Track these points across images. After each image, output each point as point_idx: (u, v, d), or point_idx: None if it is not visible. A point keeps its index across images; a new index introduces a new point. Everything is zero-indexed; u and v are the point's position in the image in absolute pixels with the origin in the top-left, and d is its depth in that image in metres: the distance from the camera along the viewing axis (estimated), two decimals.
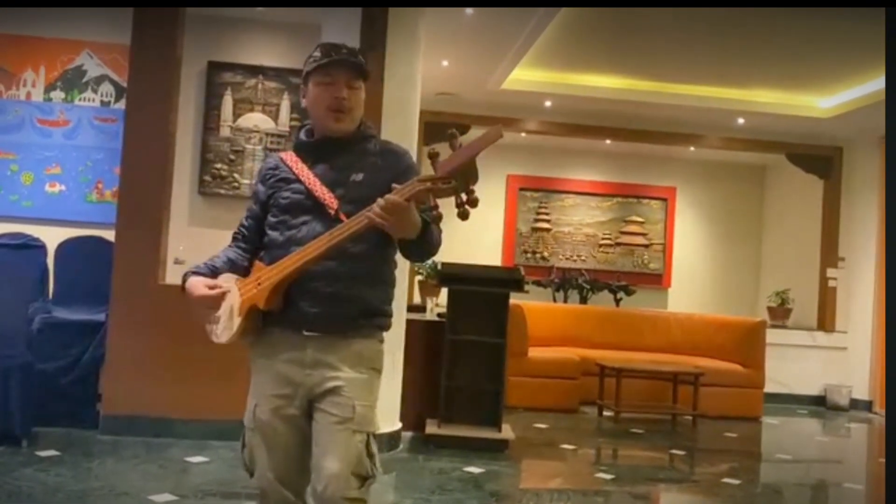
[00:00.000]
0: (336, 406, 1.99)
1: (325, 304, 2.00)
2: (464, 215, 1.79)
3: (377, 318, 2.10)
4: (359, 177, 2.07)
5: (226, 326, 2.03)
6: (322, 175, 2.08)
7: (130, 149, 4.78)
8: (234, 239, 2.22)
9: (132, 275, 4.68)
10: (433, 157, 1.87)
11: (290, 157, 2.16)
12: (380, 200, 1.82)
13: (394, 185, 1.85)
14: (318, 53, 2.11)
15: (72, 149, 5.79)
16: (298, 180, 2.09)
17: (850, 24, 5.60)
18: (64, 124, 5.81)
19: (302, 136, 2.19)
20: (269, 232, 2.10)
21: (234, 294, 2.04)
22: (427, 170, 1.87)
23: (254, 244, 2.17)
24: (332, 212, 2.01)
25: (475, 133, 8.33)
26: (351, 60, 2.09)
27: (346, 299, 2.02)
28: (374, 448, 2.03)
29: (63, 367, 4.71)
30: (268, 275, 1.99)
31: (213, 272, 2.10)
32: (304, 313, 2.00)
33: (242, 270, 2.13)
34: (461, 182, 1.79)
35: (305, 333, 2.02)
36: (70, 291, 5.22)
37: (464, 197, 1.79)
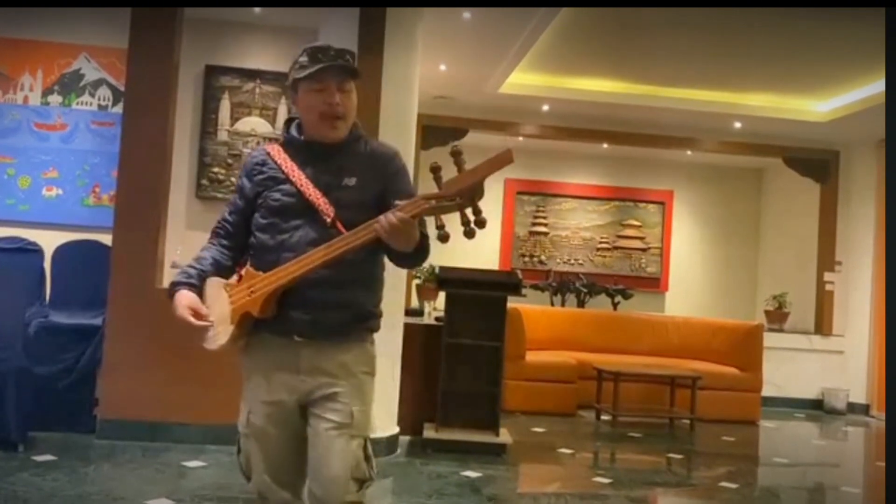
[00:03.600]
0: (334, 412, 1.99)
1: (319, 311, 1.98)
2: (470, 234, 1.82)
3: (369, 322, 2.10)
4: (352, 181, 2.04)
5: (217, 334, 2.00)
6: (314, 178, 2.03)
7: (128, 152, 4.77)
8: (216, 234, 2.15)
9: (129, 279, 4.67)
10: (435, 170, 1.83)
11: (278, 153, 2.09)
12: (388, 216, 1.82)
13: (396, 202, 1.85)
14: (304, 59, 2.04)
15: (69, 153, 5.78)
16: (289, 180, 2.03)
17: (848, 27, 5.61)
18: (61, 128, 5.80)
19: (293, 131, 2.12)
20: (258, 234, 2.05)
21: (224, 300, 2.01)
22: (426, 177, 1.87)
23: (237, 241, 2.12)
24: (329, 219, 1.98)
25: (473, 137, 8.40)
26: (340, 64, 2.03)
27: (340, 305, 2.01)
28: (371, 451, 2.04)
29: (60, 371, 4.70)
30: (262, 283, 1.96)
31: (202, 278, 2.05)
32: (296, 320, 1.98)
33: (227, 271, 2.09)
34: (467, 201, 1.80)
35: (297, 339, 2.00)
36: (67, 295, 5.21)
37: (471, 217, 1.81)
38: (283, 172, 2.05)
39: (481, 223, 1.81)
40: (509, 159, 1.80)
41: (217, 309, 2.00)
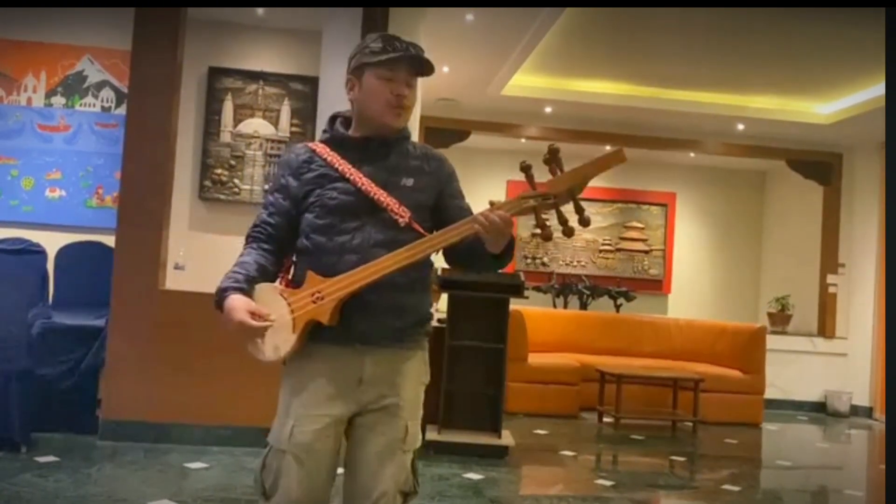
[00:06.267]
0: (389, 427, 1.93)
1: (384, 316, 1.89)
2: (568, 233, 1.75)
3: (427, 325, 2.02)
4: (409, 181, 1.95)
5: (279, 344, 1.84)
6: (373, 176, 1.91)
7: (131, 154, 4.78)
8: (255, 239, 1.97)
9: (132, 280, 4.68)
10: (526, 169, 1.76)
11: (324, 151, 1.96)
12: (491, 215, 1.74)
13: (491, 200, 1.79)
14: (377, 45, 1.92)
15: (72, 154, 5.79)
16: (344, 178, 1.91)
17: (851, 29, 5.61)
18: (64, 129, 5.81)
19: (339, 128, 2.00)
20: (313, 236, 1.90)
21: (283, 307, 1.84)
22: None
23: (280, 245, 1.97)
24: (403, 220, 1.88)
25: (475, 138, 8.38)
26: (416, 56, 1.93)
27: (404, 309, 1.93)
28: (418, 463, 1.99)
29: (63, 372, 4.70)
30: (330, 288, 1.82)
31: (251, 283, 1.87)
32: (359, 326, 1.87)
33: (272, 277, 1.95)
34: (566, 200, 1.75)
35: (359, 347, 1.89)
36: (70, 296, 5.22)
37: (572, 216, 1.74)
38: (335, 170, 1.92)
39: (585, 222, 1.75)
40: (621, 158, 1.72)
41: (277, 317, 1.84)
